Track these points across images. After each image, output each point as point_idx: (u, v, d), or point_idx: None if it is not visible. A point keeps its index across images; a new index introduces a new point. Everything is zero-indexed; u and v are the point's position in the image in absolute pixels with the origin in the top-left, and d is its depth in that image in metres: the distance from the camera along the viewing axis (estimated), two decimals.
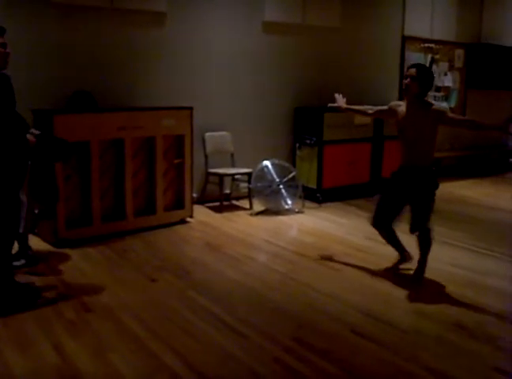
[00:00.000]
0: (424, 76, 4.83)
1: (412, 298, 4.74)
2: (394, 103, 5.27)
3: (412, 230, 4.93)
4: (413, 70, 4.84)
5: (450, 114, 4.89)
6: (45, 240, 6.01)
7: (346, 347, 3.89)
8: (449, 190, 8.65)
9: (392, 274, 5.25)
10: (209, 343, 3.89)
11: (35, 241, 5.86)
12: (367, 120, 8.13)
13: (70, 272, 5.19)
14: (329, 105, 5.70)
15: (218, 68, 7.84)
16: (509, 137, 12.09)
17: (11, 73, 4.41)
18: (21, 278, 4.79)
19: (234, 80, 8.00)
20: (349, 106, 5.65)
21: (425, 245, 4.96)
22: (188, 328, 4.10)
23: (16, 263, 5.10)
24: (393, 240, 5.21)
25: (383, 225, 5.12)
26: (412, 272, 5.16)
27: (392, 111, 5.13)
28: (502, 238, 6.62)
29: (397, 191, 5.01)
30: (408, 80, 4.84)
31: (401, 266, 5.30)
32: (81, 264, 5.40)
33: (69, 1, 6.48)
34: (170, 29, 7.32)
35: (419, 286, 4.99)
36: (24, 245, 5.32)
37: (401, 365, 3.63)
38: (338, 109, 5.68)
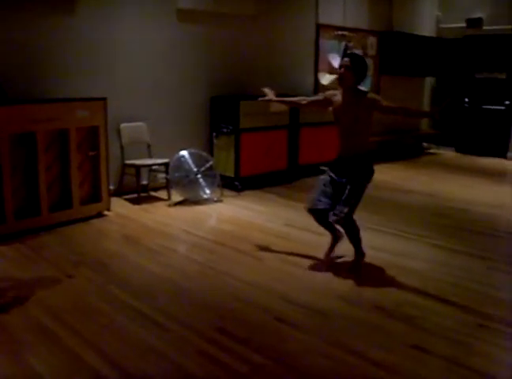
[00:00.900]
0: (358, 65, 4.85)
1: (333, 283, 4.80)
2: (330, 92, 5.24)
3: (333, 218, 4.90)
4: (347, 60, 4.86)
5: (384, 102, 4.93)
6: None
7: (271, 334, 3.89)
8: None
9: (312, 260, 5.30)
10: (130, 337, 3.81)
11: None
12: (284, 107, 8.12)
13: None
14: (260, 99, 5.59)
15: (132, 57, 7.65)
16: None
17: None
18: None
19: (148, 69, 7.84)
20: (281, 99, 5.60)
21: (353, 234, 4.99)
22: (108, 323, 4.00)
23: None
24: (325, 222, 5.19)
25: (320, 211, 5.09)
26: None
27: (327, 101, 5.11)
28: (419, 221, 6.79)
29: (335, 180, 4.99)
30: (343, 69, 4.85)
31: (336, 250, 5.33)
32: None
33: None
34: (80, 18, 7.06)
35: (359, 275, 5.00)
36: None
37: (326, 349, 3.66)
38: (269, 102, 5.63)
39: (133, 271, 5.06)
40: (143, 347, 3.68)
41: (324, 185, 5.03)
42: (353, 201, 4.85)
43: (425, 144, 13.01)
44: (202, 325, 3.98)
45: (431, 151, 12.86)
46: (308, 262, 5.25)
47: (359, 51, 10.13)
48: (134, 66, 7.69)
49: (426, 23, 12.42)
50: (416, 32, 11.86)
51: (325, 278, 4.93)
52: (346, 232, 5.00)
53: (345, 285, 4.77)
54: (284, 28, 9.45)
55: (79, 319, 4.06)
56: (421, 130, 12.94)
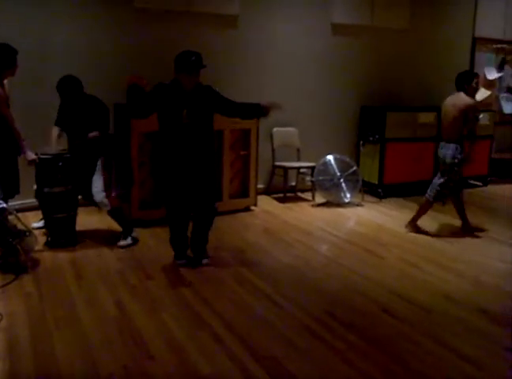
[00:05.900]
0: None
1: (445, 285, 5.08)
2: None
3: None
4: None
5: None
6: None
7: (372, 321, 4.32)
8: None
9: (432, 264, 5.62)
10: (249, 309, 4.46)
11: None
12: (431, 119, 8.40)
13: (139, 248, 5.87)
14: None
15: (286, 67, 8.33)
16: None
17: None
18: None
19: (302, 78, 8.46)
20: None
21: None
22: (233, 296, 4.67)
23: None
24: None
25: None
26: None
27: None
28: None
29: None
30: None
31: None
32: (149, 241, 6.06)
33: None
34: (242, 31, 7.91)
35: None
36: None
37: (418, 338, 4.03)
38: None
39: (265, 258, 5.70)
40: (258, 318, 4.30)
41: None
42: None
43: None
44: (313, 307, 4.49)
45: None
46: (427, 265, 5.58)
47: None
48: (288, 76, 8.35)
49: None
50: None
51: (439, 279, 5.23)
52: None
53: (456, 287, 5.05)
54: (437, 42, 9.51)
55: (211, 291, 4.77)
56: None
